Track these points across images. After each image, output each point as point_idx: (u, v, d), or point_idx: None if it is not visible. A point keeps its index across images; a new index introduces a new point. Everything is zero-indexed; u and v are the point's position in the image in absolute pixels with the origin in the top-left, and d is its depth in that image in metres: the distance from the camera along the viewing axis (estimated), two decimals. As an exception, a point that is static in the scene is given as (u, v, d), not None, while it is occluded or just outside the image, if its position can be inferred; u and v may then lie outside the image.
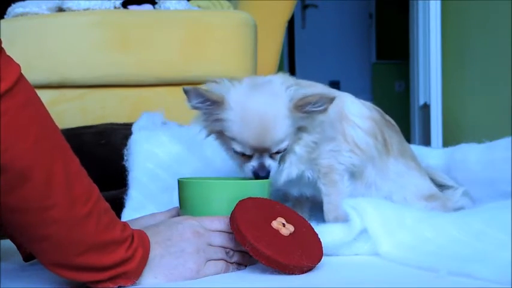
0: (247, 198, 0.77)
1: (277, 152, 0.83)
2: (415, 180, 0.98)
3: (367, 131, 0.91)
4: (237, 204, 0.74)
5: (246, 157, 0.84)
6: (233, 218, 0.72)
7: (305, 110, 0.81)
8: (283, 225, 0.74)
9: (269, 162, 0.83)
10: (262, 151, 0.82)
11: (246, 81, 0.85)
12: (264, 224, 0.74)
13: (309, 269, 0.73)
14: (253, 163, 0.83)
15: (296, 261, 0.71)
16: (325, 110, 0.81)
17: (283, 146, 0.83)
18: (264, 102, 0.82)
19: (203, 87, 0.83)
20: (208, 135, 0.88)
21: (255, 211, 0.75)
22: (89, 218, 0.62)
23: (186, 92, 0.82)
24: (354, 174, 0.92)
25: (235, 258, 0.76)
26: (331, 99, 0.80)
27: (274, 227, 0.74)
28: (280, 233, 0.73)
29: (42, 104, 0.62)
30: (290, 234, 0.74)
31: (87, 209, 0.62)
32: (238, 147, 0.82)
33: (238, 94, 0.82)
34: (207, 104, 0.82)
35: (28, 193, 0.59)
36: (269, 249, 0.70)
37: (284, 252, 0.71)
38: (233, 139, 0.82)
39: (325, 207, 0.90)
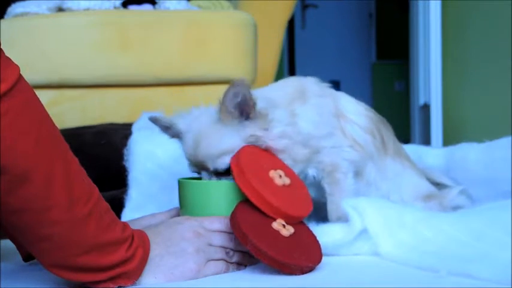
0: (247, 199, 0.77)
1: (221, 172, 0.81)
2: (412, 179, 0.97)
3: (364, 128, 0.91)
4: (237, 205, 0.75)
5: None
6: (234, 218, 0.72)
7: (231, 108, 0.78)
8: (284, 226, 0.75)
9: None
10: (204, 169, 0.82)
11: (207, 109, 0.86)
12: (264, 224, 0.74)
13: (309, 269, 0.73)
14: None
15: (297, 261, 0.71)
16: (245, 98, 0.77)
17: (220, 164, 0.80)
18: (202, 122, 0.82)
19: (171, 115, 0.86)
20: None
21: (255, 212, 0.75)
22: (89, 218, 0.62)
23: (150, 120, 0.87)
24: (356, 173, 0.92)
25: (235, 258, 0.76)
26: (242, 80, 0.77)
27: (275, 228, 0.74)
28: (281, 234, 0.73)
29: (42, 105, 0.62)
30: (290, 235, 0.74)
31: (87, 209, 0.62)
32: (188, 165, 0.84)
33: (190, 117, 0.84)
34: (169, 130, 0.86)
35: (28, 194, 0.59)
36: (271, 249, 0.70)
37: (285, 252, 0.71)
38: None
39: (329, 207, 0.90)
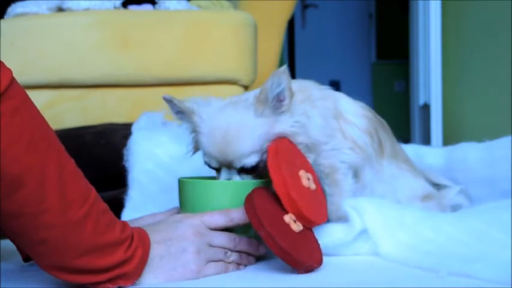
0: (262, 187, 0.77)
1: (245, 169, 0.80)
2: (408, 181, 0.97)
3: (363, 129, 0.91)
4: (253, 190, 0.74)
5: (217, 170, 0.83)
6: (251, 201, 0.72)
7: (270, 99, 0.77)
8: (294, 221, 0.74)
9: (237, 179, 0.81)
10: (227, 165, 0.81)
11: (227, 99, 0.84)
12: (277, 215, 0.74)
13: (312, 269, 0.73)
14: (221, 177, 0.82)
15: (304, 258, 0.71)
16: (285, 88, 0.76)
17: (248, 161, 0.79)
18: (231, 116, 0.79)
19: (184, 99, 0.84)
20: (195, 150, 0.87)
21: (269, 201, 0.75)
22: (86, 220, 0.62)
23: (165, 100, 0.82)
24: (354, 175, 0.92)
25: (232, 258, 0.76)
26: (283, 69, 0.76)
27: (286, 221, 0.74)
28: (291, 228, 0.73)
29: (35, 107, 0.62)
30: (299, 231, 0.74)
31: (83, 211, 0.62)
32: (205, 159, 0.82)
33: (213, 108, 0.82)
34: (183, 115, 0.83)
35: (22, 198, 0.59)
36: (283, 240, 0.70)
37: (295, 246, 0.71)
38: (203, 151, 0.82)
39: (329, 207, 0.90)
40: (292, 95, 0.78)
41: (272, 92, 0.77)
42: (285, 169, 0.74)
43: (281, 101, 0.78)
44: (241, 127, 0.78)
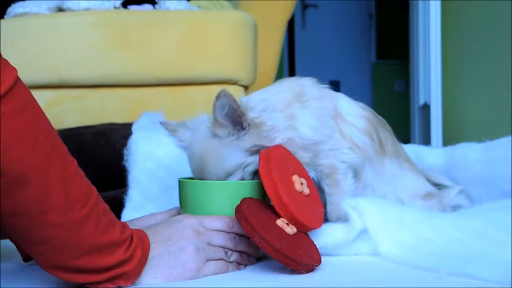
0: (250, 197, 0.77)
1: None
2: (410, 180, 0.97)
3: (363, 130, 0.90)
4: (242, 200, 0.75)
5: None
6: (240, 211, 0.72)
7: (222, 120, 0.78)
8: (287, 224, 0.75)
9: None
10: None
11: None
12: (269, 220, 0.74)
13: (311, 268, 0.73)
14: None
15: (302, 258, 0.71)
16: (231, 109, 0.77)
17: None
18: (201, 144, 0.82)
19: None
20: None
21: (260, 208, 0.76)
22: (87, 220, 0.62)
23: (161, 124, 0.89)
24: (354, 174, 0.92)
25: (233, 258, 0.76)
26: (224, 91, 0.76)
27: (279, 225, 0.74)
28: (285, 231, 0.74)
29: (39, 107, 0.62)
30: (293, 234, 0.74)
31: (85, 212, 0.62)
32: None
33: (193, 134, 0.85)
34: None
35: (25, 197, 0.59)
36: (278, 242, 0.70)
37: (291, 247, 0.71)
38: None
39: (328, 207, 0.90)
40: (242, 112, 0.78)
41: (221, 116, 0.78)
42: (276, 174, 0.75)
43: (239, 117, 0.78)
44: (210, 155, 0.81)
